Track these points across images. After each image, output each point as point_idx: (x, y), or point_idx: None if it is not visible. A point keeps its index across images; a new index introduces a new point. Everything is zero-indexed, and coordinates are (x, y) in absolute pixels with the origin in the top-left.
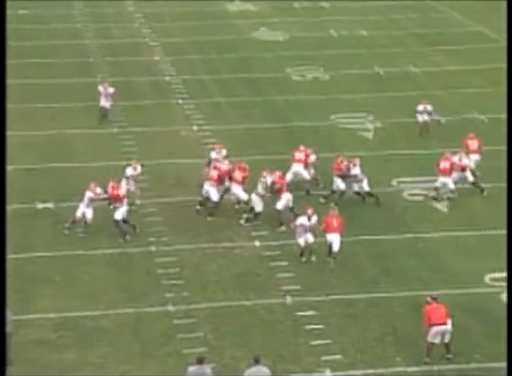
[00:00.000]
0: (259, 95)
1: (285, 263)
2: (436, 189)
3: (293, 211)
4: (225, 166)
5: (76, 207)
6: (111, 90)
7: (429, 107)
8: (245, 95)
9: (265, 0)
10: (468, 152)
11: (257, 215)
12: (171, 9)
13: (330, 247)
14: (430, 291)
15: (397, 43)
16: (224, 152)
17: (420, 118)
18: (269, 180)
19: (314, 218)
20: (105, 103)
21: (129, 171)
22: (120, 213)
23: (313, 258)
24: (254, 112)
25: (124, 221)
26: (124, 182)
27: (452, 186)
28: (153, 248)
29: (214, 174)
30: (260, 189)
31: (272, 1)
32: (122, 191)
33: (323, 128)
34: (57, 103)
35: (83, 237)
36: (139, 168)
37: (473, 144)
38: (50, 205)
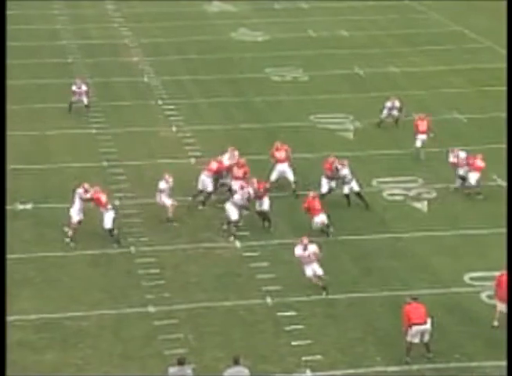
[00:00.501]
0: (239, 96)
1: (265, 264)
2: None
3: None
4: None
5: (54, 209)
6: (85, 88)
7: (397, 103)
8: (224, 95)
9: (244, 0)
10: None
11: (234, 222)
12: (150, 9)
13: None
14: (411, 290)
15: (377, 43)
16: (236, 153)
17: (385, 113)
18: (251, 191)
19: (311, 247)
20: (84, 99)
21: (162, 184)
22: (109, 221)
23: (324, 294)
24: (233, 112)
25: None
26: (159, 196)
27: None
28: (133, 249)
29: (214, 165)
30: (238, 199)
31: (252, 1)
32: (104, 197)
33: (303, 129)
34: (36, 104)
35: (61, 238)
36: (171, 181)
37: (422, 125)
38: (29, 206)
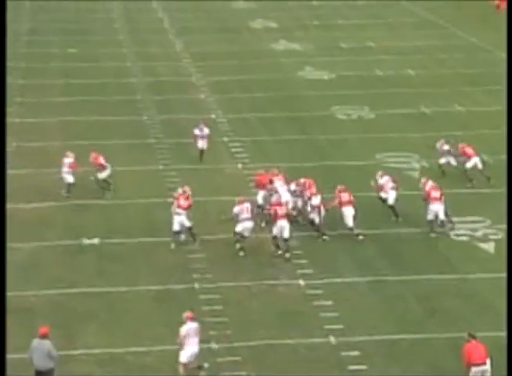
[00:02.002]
0: (304, 134)
1: (329, 302)
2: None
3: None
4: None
5: (120, 244)
6: (207, 131)
7: (445, 147)
8: (289, 133)
9: (310, 39)
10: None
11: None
12: (216, 48)
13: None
14: (475, 332)
15: (443, 82)
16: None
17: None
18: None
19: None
20: (202, 144)
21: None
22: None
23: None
24: (298, 150)
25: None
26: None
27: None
28: (196, 285)
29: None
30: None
31: (318, 40)
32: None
33: (368, 167)
34: (103, 140)
35: (126, 273)
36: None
37: (469, 149)
38: (95, 241)
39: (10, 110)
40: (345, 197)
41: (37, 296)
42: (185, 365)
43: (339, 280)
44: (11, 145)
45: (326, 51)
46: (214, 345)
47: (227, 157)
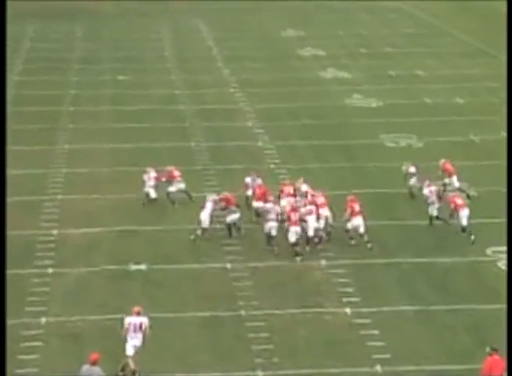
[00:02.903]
0: (351, 161)
1: (376, 331)
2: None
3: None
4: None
5: (166, 270)
6: (260, 181)
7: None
8: (337, 160)
9: (359, 68)
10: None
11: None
12: (264, 75)
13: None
14: None
15: (492, 111)
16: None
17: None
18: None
19: None
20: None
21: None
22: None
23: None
24: (346, 178)
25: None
26: None
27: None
28: (242, 312)
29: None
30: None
31: (367, 68)
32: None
33: (417, 195)
34: (152, 167)
35: (173, 299)
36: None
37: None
38: (143, 267)
39: (61, 136)
40: (356, 207)
41: (85, 321)
42: (133, 357)
43: (386, 308)
44: (61, 171)
45: (374, 79)
46: (260, 373)
47: (274, 184)
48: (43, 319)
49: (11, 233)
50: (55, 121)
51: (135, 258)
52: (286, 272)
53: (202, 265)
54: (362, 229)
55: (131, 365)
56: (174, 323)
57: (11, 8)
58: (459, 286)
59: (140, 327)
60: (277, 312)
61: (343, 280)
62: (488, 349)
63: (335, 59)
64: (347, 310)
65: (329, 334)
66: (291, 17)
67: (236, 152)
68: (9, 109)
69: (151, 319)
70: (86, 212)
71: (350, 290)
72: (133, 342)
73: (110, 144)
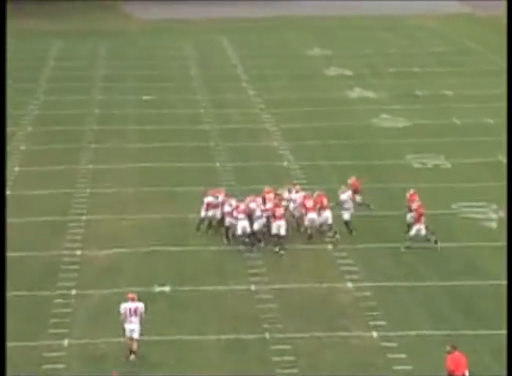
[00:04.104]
0: (378, 182)
1: (403, 355)
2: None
3: None
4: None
5: (190, 291)
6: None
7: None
8: (363, 181)
9: (385, 87)
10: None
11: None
12: (290, 95)
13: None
14: None
15: None
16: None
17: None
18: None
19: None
20: None
21: None
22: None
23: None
24: (372, 199)
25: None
26: None
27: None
28: (267, 335)
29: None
30: None
31: (393, 88)
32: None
33: (444, 217)
34: (177, 187)
35: (197, 321)
36: None
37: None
38: (167, 289)
39: (85, 156)
40: (325, 201)
41: (108, 343)
42: (130, 339)
43: (413, 332)
44: (85, 191)
45: (400, 98)
46: None
47: None
48: (65, 341)
49: (35, 253)
50: (79, 140)
51: (159, 279)
52: (312, 294)
53: (226, 287)
54: (330, 221)
55: (134, 346)
56: (197, 345)
57: (35, 27)
58: (484, 309)
59: (135, 311)
60: (302, 335)
61: (369, 303)
62: (448, 348)
63: (361, 78)
64: (374, 334)
65: (355, 358)
66: (316, 36)
67: (260, 172)
68: (35, 129)
69: (176, 342)
70: (110, 233)
71: (376, 313)
72: (131, 326)
73: (135, 164)
